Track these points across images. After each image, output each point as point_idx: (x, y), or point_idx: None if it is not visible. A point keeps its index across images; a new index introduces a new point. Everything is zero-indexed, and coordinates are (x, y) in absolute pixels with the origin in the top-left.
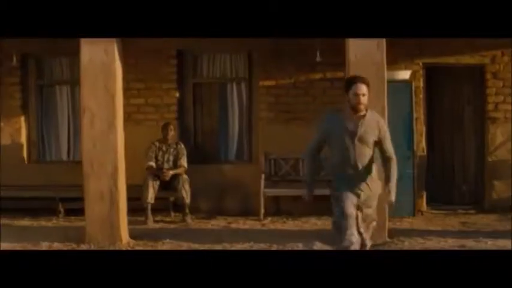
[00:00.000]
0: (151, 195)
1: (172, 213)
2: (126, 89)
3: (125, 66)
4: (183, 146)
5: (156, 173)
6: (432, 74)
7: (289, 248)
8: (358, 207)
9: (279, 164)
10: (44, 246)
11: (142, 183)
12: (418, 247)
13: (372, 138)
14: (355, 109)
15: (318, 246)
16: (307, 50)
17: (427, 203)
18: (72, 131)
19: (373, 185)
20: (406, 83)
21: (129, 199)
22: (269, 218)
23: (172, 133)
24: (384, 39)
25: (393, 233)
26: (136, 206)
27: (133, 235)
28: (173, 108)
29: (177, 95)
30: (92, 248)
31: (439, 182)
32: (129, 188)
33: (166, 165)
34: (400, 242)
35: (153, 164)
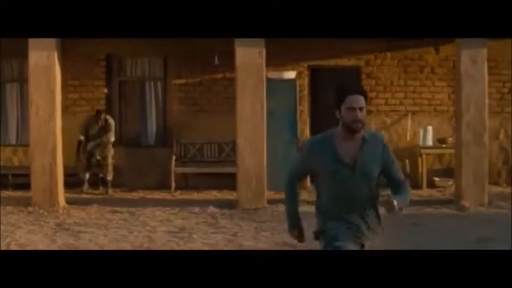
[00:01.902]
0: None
1: (101, 187)
2: (64, 86)
3: (64, 67)
4: (112, 121)
5: (86, 149)
6: (317, 74)
7: (190, 211)
8: None
9: (188, 148)
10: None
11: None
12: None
13: (375, 169)
14: (351, 129)
15: (211, 209)
16: (210, 55)
17: (312, 180)
18: (20, 120)
19: (379, 232)
20: (292, 81)
21: (67, 175)
22: (179, 191)
23: (103, 115)
24: (264, 49)
25: (275, 201)
26: (73, 181)
27: (68, 201)
28: (102, 101)
29: (106, 90)
30: (36, 210)
31: None
32: (67, 167)
33: (97, 139)
34: (275, 206)
35: (82, 138)
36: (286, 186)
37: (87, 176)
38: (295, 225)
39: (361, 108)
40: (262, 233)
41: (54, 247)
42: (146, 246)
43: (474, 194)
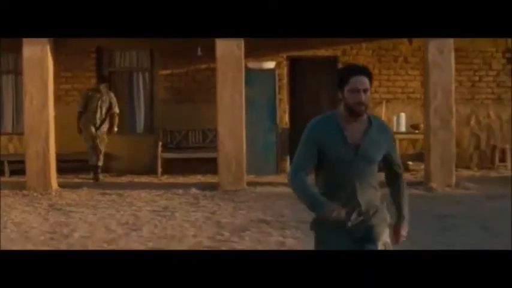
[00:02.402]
0: (96, 158)
1: (92, 173)
2: (56, 77)
3: (56, 60)
4: (113, 94)
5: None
6: (296, 64)
7: (173, 192)
8: None
9: (173, 135)
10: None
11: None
12: (266, 191)
13: (378, 154)
14: (354, 112)
15: (193, 191)
16: (194, 47)
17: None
18: (15, 109)
19: (380, 221)
20: (272, 71)
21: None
22: (165, 176)
23: (102, 87)
24: (243, 42)
25: (254, 184)
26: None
27: (60, 185)
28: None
29: (96, 81)
30: (31, 193)
31: None
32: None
33: (98, 113)
34: (254, 187)
35: (81, 110)
36: (292, 179)
37: (99, 162)
38: (327, 204)
39: (365, 90)
40: (239, 211)
41: (46, 225)
42: (131, 223)
43: (442, 176)
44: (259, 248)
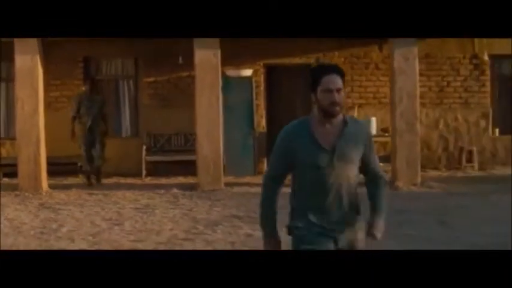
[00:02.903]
0: (90, 154)
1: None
2: (47, 85)
3: (46, 69)
4: (103, 96)
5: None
6: (272, 72)
7: (155, 192)
8: None
9: (157, 138)
10: None
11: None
12: (242, 191)
13: (356, 154)
14: (328, 113)
15: (174, 190)
16: (176, 55)
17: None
18: (8, 115)
19: (358, 224)
20: (249, 78)
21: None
22: (149, 177)
23: (88, 87)
24: (219, 51)
25: (232, 184)
26: (54, 169)
27: (51, 186)
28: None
29: (84, 88)
30: (22, 193)
31: None
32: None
33: (91, 114)
34: (231, 188)
35: (74, 115)
36: (264, 190)
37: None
38: (271, 235)
39: (338, 90)
40: (214, 209)
41: (37, 221)
42: (115, 219)
43: (408, 175)
44: (229, 239)
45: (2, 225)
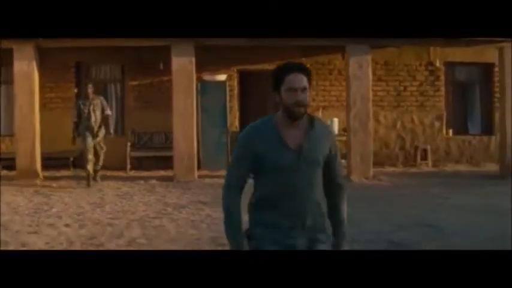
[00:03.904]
0: (90, 157)
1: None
2: (42, 87)
3: (42, 73)
4: (103, 97)
5: (82, 130)
6: (245, 77)
7: (136, 183)
8: None
9: (141, 136)
10: None
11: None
12: (212, 182)
13: (321, 157)
14: (292, 114)
15: (153, 182)
16: (158, 62)
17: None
18: (7, 114)
19: (321, 228)
20: (223, 82)
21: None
22: (133, 171)
23: (91, 90)
24: (194, 58)
25: (205, 176)
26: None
27: (44, 177)
28: (73, 99)
29: (76, 91)
30: (19, 183)
31: None
32: (44, 152)
33: (93, 117)
34: (203, 179)
35: (75, 120)
36: (227, 199)
37: (90, 168)
38: (239, 245)
39: (303, 89)
40: (184, 196)
41: (31, 204)
42: (98, 202)
43: (361, 170)
44: (192, 218)
45: (1, 208)
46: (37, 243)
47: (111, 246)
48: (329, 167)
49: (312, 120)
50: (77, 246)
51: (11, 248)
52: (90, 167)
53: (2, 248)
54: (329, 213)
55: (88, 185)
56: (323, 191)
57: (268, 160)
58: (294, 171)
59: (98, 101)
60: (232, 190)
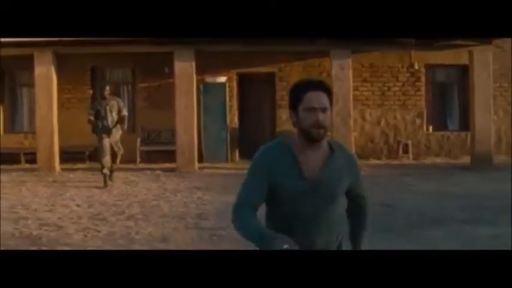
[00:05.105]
0: (107, 158)
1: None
2: (60, 89)
3: (60, 76)
4: (120, 99)
5: (99, 130)
6: (243, 79)
7: (143, 173)
8: None
9: (150, 133)
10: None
11: (100, 149)
12: (210, 172)
13: (340, 188)
14: (311, 137)
15: (157, 172)
16: (164, 66)
17: (240, 156)
18: (30, 114)
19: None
20: (223, 84)
21: (66, 153)
22: (142, 164)
23: (108, 92)
24: (194, 63)
25: (205, 168)
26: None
27: (62, 169)
28: (89, 100)
29: (91, 92)
30: (40, 174)
31: (248, 143)
32: (61, 146)
33: (109, 117)
34: (202, 170)
35: (91, 118)
36: (234, 216)
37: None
38: (272, 237)
39: (323, 110)
40: (182, 183)
41: (49, 191)
42: (107, 189)
43: None
44: (184, 200)
45: (23, 192)
46: (51, 218)
47: (113, 220)
48: (352, 191)
49: (331, 146)
50: (84, 221)
51: (29, 222)
52: (106, 169)
53: (22, 222)
54: (350, 231)
55: (105, 185)
56: (344, 210)
57: (281, 187)
58: (307, 203)
59: (115, 102)
60: (241, 208)
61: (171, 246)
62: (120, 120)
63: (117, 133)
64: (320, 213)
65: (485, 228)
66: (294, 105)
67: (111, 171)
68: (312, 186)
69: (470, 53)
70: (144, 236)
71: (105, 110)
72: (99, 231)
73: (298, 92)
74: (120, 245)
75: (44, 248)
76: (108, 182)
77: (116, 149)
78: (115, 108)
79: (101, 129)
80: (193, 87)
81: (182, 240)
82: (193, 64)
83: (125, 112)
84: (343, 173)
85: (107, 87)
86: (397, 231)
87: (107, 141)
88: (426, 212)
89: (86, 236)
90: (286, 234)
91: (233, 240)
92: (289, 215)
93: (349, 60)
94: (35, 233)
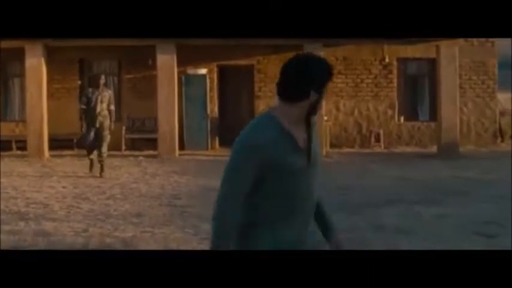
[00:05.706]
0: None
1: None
2: (50, 80)
3: (50, 67)
4: (112, 92)
5: (88, 117)
6: (223, 71)
7: (126, 159)
8: None
9: (134, 121)
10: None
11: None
12: (189, 158)
13: (321, 159)
14: (311, 117)
15: (140, 158)
16: (148, 58)
17: (220, 144)
18: (21, 103)
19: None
20: (204, 76)
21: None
22: (127, 151)
23: (103, 82)
24: (175, 55)
25: (185, 154)
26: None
27: (51, 155)
28: (77, 90)
29: (79, 82)
30: (30, 160)
31: (227, 132)
32: (51, 134)
33: (99, 107)
34: (182, 156)
35: (84, 106)
36: (224, 216)
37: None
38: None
39: None
40: (162, 168)
41: (37, 174)
42: (92, 173)
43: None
44: (161, 182)
45: (14, 176)
46: (38, 198)
47: (95, 199)
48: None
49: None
50: (68, 200)
51: (18, 201)
52: (93, 155)
53: (12, 201)
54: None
55: (91, 170)
56: None
57: (278, 164)
58: (303, 177)
59: (107, 94)
60: (236, 204)
61: (145, 220)
62: (109, 113)
63: (105, 121)
64: (313, 185)
65: (433, 208)
66: (320, 84)
67: (101, 162)
68: (304, 158)
69: (438, 47)
70: (121, 212)
71: (97, 99)
72: (81, 209)
73: (324, 72)
74: (99, 219)
75: (31, 223)
76: (95, 169)
77: (103, 135)
78: (106, 100)
79: (89, 117)
80: (174, 79)
81: (155, 215)
82: (175, 57)
83: (112, 107)
84: (317, 141)
85: (102, 76)
86: (350, 210)
87: (93, 129)
88: (382, 194)
89: (69, 212)
90: (283, 214)
91: (201, 217)
92: (289, 193)
93: (322, 54)
94: (23, 210)
